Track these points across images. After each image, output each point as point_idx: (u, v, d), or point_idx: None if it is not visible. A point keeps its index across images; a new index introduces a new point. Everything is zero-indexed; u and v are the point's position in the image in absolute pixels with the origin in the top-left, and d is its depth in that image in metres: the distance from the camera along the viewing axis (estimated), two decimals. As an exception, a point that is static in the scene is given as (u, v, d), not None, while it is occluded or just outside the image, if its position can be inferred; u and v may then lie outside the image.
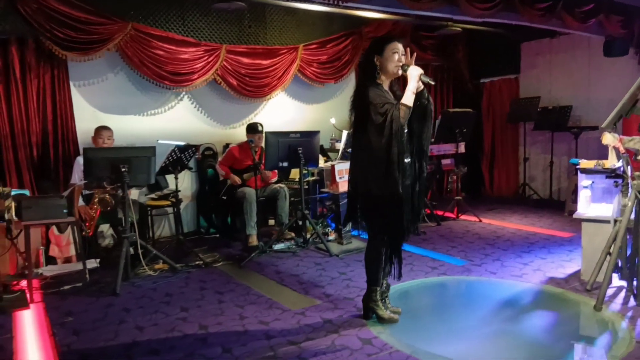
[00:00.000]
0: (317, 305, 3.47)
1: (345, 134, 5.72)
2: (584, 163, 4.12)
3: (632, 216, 3.28)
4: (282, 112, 6.48)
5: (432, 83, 2.85)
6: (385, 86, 2.96)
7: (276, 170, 5.37)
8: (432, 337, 2.93)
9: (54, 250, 4.58)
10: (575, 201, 5.11)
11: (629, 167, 3.43)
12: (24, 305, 3.57)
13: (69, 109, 5.02)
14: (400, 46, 2.91)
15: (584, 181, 4.11)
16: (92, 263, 4.37)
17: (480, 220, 6.04)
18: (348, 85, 7.07)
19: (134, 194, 4.96)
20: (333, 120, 6.10)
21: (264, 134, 4.98)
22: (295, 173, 5.70)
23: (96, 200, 4.24)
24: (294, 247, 5.00)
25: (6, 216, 3.70)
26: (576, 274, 3.95)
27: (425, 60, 7.28)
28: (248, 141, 5.07)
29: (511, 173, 7.91)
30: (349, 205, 3.14)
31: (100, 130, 4.65)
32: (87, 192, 4.53)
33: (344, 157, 5.63)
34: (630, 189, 3.31)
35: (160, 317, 3.36)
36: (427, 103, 2.92)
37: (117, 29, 4.98)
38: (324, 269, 4.31)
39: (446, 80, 7.96)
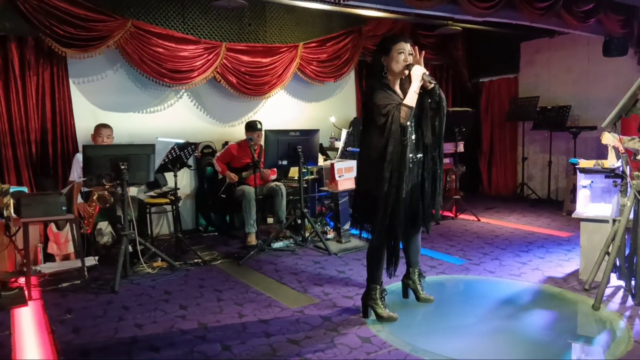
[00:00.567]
0: (316, 304, 3.48)
1: (344, 132, 5.72)
2: (583, 163, 4.13)
3: (631, 216, 3.29)
4: (281, 111, 6.48)
5: (433, 83, 2.88)
6: (394, 86, 2.99)
7: (275, 169, 5.37)
8: (431, 335, 2.94)
9: (52, 248, 4.58)
10: (573, 201, 5.13)
11: (628, 166, 3.43)
12: (23, 302, 3.56)
13: (68, 107, 5.02)
14: (406, 46, 2.94)
15: (583, 181, 4.12)
16: (91, 260, 4.36)
17: (479, 220, 6.05)
18: (348, 84, 7.08)
19: (132, 191, 4.95)
20: (333, 119, 6.11)
21: (263, 132, 4.98)
22: (294, 171, 5.71)
23: (95, 197, 4.24)
24: (292, 245, 5.00)
25: (5, 213, 3.70)
26: (574, 274, 3.96)
27: (425, 59, 7.19)
28: (247, 139, 5.07)
29: (509, 172, 7.92)
30: (354, 203, 3.20)
31: (100, 128, 4.64)
32: (86, 189, 4.52)
33: (343, 156, 5.63)
34: (629, 189, 3.31)
35: (160, 314, 3.36)
36: (438, 100, 2.95)
37: (117, 26, 4.97)
38: (323, 268, 4.32)
39: (445, 79, 7.97)
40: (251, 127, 5.24)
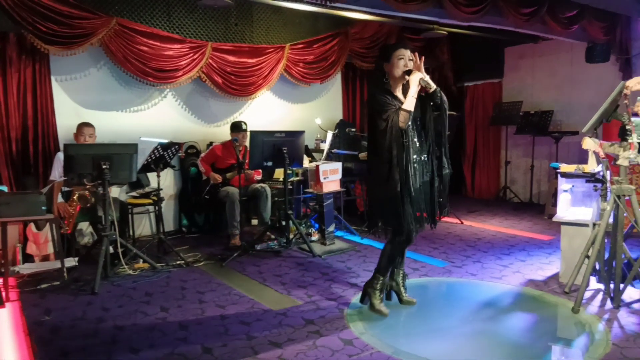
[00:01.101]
0: (299, 306, 3.47)
1: (330, 134, 5.72)
2: (564, 167, 4.18)
3: (611, 220, 3.34)
4: (267, 112, 6.46)
5: (433, 87, 2.99)
6: (395, 91, 3.10)
7: (260, 170, 5.35)
8: (413, 337, 2.95)
9: (31, 248, 4.50)
10: (555, 204, 5.19)
11: (608, 171, 3.49)
12: (0, 304, 3.49)
13: (49, 104, 4.94)
14: (406, 52, 3.06)
15: (564, 185, 4.17)
16: (71, 261, 4.30)
17: (462, 222, 6.09)
18: (334, 86, 7.09)
19: (114, 191, 4.89)
20: (318, 121, 6.10)
21: (248, 133, 4.96)
22: (279, 173, 5.69)
23: (76, 196, 4.17)
24: (276, 247, 4.98)
25: (-18, 212, 3.62)
26: (555, 277, 4.01)
27: (411, 63, 7.30)
28: (232, 140, 5.04)
29: (492, 176, 8.00)
30: (370, 207, 3.41)
31: (82, 126, 4.58)
32: (66, 189, 4.46)
33: (328, 158, 5.63)
34: (609, 194, 3.37)
35: (140, 316, 3.32)
36: (440, 102, 3.04)
37: (101, 23, 4.91)
38: (307, 270, 4.31)
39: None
40: (236, 127, 5.21)
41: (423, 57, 3.04)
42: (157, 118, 5.66)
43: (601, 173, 3.68)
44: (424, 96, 3.06)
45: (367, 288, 3.32)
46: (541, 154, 7.30)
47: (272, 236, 5.19)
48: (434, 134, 3.11)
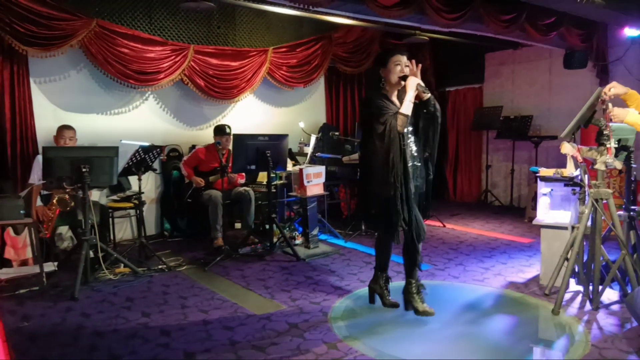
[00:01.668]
0: (283, 310, 3.45)
1: (313, 138, 5.73)
2: (544, 171, 4.25)
3: (589, 223, 3.40)
4: (250, 115, 6.44)
5: (428, 94, 3.07)
6: (392, 96, 3.16)
7: (244, 173, 5.33)
8: (396, 340, 2.96)
9: (9, 253, 4.41)
10: (534, 208, 5.27)
11: (586, 175, 3.56)
12: (-25, 310, 3.41)
13: (28, 107, 4.85)
14: (402, 58, 3.12)
15: (543, 189, 4.24)
16: (50, 266, 4.22)
17: (444, 225, 6.15)
18: (317, 90, 7.11)
19: (94, 195, 4.82)
20: (302, 124, 6.11)
21: (231, 136, 4.93)
22: (263, 176, 5.67)
23: (55, 200, 4.10)
24: (260, 251, 4.96)
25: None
26: (535, 279, 4.07)
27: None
28: (215, 143, 5.01)
29: (474, 180, 8.10)
30: (358, 204, 3.43)
31: (63, 129, 4.52)
32: (45, 192, 4.37)
33: (312, 161, 5.64)
34: (587, 197, 3.43)
35: (121, 322, 3.27)
36: (433, 110, 3.10)
37: (81, 25, 4.84)
38: (291, 273, 4.30)
39: (413, 87, 8.08)
40: (220, 130, 5.18)
41: (420, 65, 3.11)
42: (138, 121, 5.60)
43: (579, 177, 3.75)
44: (417, 103, 3.11)
45: (372, 288, 3.43)
46: (521, 158, 7.42)
47: (256, 240, 5.17)
48: (423, 139, 3.17)
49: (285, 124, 6.55)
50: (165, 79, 5.46)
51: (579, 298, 3.61)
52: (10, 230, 4.35)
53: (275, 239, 5.05)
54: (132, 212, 5.30)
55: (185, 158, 5.32)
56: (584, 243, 3.54)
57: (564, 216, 4.01)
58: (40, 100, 4.97)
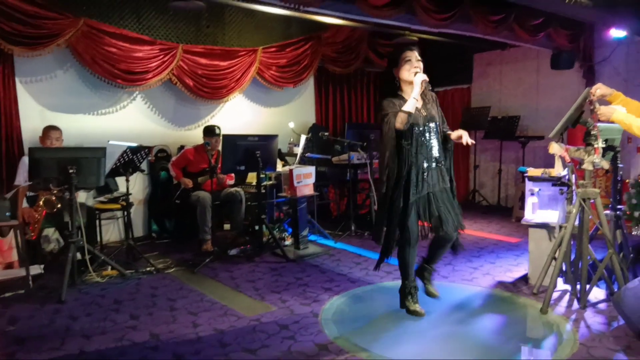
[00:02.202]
0: (273, 312, 3.44)
1: (303, 138, 5.72)
2: (532, 171, 4.29)
3: (577, 222, 3.44)
4: (239, 115, 6.41)
5: (430, 90, 3.04)
6: (408, 95, 3.07)
7: (233, 174, 5.30)
8: (387, 340, 2.96)
9: (-6, 255, 4.33)
10: (522, 207, 5.32)
11: (573, 175, 3.60)
12: (-40, 314, 3.35)
13: (14, 107, 4.78)
14: (412, 54, 3.08)
15: (531, 188, 4.27)
16: (36, 269, 4.16)
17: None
18: (307, 90, 7.10)
19: (81, 196, 4.76)
20: (292, 125, 6.09)
21: (221, 137, 4.91)
22: (252, 177, 5.65)
23: (41, 201, 4.04)
24: (249, 252, 4.94)
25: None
26: (523, 278, 4.09)
27: (382, 68, 7.38)
28: (204, 144, 4.98)
29: (462, 180, 8.14)
30: (378, 209, 3.30)
31: (49, 130, 4.46)
32: (32, 193, 4.31)
33: (302, 162, 5.63)
34: (575, 197, 3.47)
35: (109, 324, 3.24)
36: (449, 146, 3.27)
37: (68, 24, 4.78)
38: (280, 275, 4.28)
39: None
40: (209, 131, 5.14)
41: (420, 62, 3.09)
42: (126, 121, 5.55)
43: (567, 177, 3.79)
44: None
45: (400, 294, 3.34)
46: (508, 158, 7.47)
47: (245, 241, 5.14)
48: (440, 141, 3.18)
49: (274, 124, 6.53)
50: (154, 78, 5.41)
51: (567, 297, 3.65)
52: (-5, 232, 4.28)
53: (264, 240, 5.04)
54: (120, 213, 5.24)
55: (173, 159, 5.28)
56: (572, 242, 3.57)
57: (552, 216, 4.04)
58: (26, 101, 4.90)
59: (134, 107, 5.64)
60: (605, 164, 3.38)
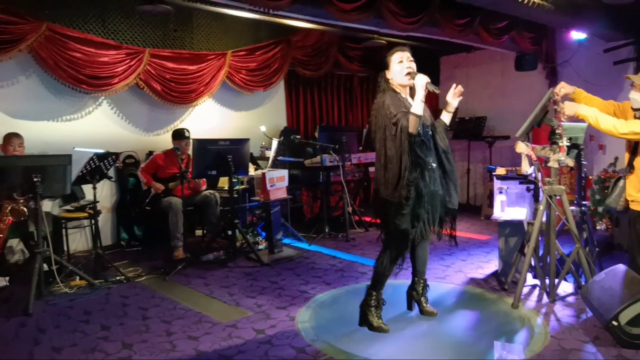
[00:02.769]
0: (249, 317, 3.41)
1: (275, 141, 5.70)
2: (499, 170, 4.39)
3: (544, 219, 3.53)
4: (209, 119, 6.34)
5: (437, 91, 2.91)
6: (404, 94, 3.03)
7: (205, 179, 5.23)
8: (364, 340, 2.97)
9: (-45, 269, 4.15)
10: (491, 206, 5.43)
11: (540, 173, 3.70)
12: None
13: (-28, 114, 4.60)
14: (404, 54, 3.00)
15: (499, 187, 4.37)
16: (1, 281, 4.01)
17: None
18: (278, 93, 7.08)
19: (46, 205, 4.61)
20: (263, 128, 6.06)
21: (191, 140, 4.84)
22: (224, 181, 5.59)
23: (8, 210, 3.89)
24: (223, 257, 4.88)
25: None
26: (494, 274, 4.19)
27: (352, 71, 7.45)
28: (174, 148, 4.90)
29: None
30: (374, 210, 3.16)
31: (11, 137, 4.31)
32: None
33: (274, 165, 5.60)
34: (541, 194, 3.56)
35: (79, 336, 3.15)
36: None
37: (30, 29, 4.63)
38: (255, 279, 4.25)
39: (371, 90, 8.19)
40: (179, 135, 5.06)
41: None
42: (92, 127, 5.41)
43: (533, 175, 3.89)
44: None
45: (362, 308, 3.12)
46: (476, 158, 7.63)
47: (218, 246, 5.08)
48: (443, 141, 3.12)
49: (245, 128, 6.49)
50: (120, 83, 5.30)
51: (537, 291, 3.74)
52: (-45, 244, 4.11)
53: (238, 245, 4.99)
54: (87, 222, 5.10)
55: (142, 165, 5.18)
56: (539, 238, 3.67)
57: (520, 213, 4.14)
58: (-14, 107, 4.73)
59: (100, 113, 5.51)
60: (570, 162, 3.49)
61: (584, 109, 3.12)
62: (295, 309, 3.51)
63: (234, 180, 4.86)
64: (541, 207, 3.49)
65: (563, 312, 3.33)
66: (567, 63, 6.66)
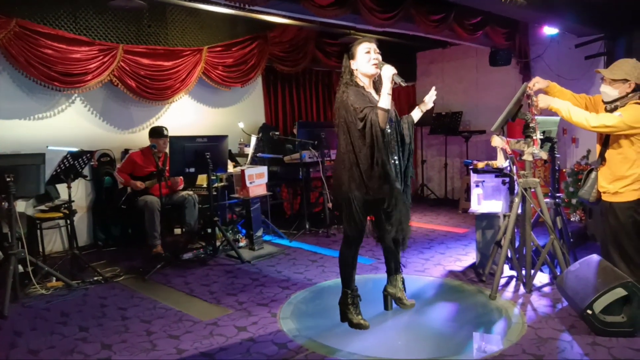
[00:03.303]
0: (230, 314, 3.40)
1: (254, 138, 5.67)
2: (475, 164, 4.46)
3: (519, 211, 3.61)
4: (186, 116, 6.27)
5: (404, 84, 2.84)
6: (368, 88, 2.95)
7: (182, 178, 5.17)
8: (345, 335, 2.99)
9: None
10: (468, 199, 5.51)
11: (515, 166, 3.78)
12: None
13: (-61, 113, 4.45)
14: (372, 45, 2.92)
15: (475, 180, 4.44)
16: (-28, 285, 3.90)
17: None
18: (255, 89, 7.04)
19: (20, 205, 4.51)
20: (241, 125, 6.03)
21: (168, 139, 4.78)
22: (202, 179, 5.54)
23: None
24: (203, 255, 4.85)
25: None
26: (472, 266, 4.26)
27: (330, 67, 7.45)
28: (150, 146, 4.83)
29: (410, 174, 8.34)
30: (333, 206, 3.11)
31: (-20, 136, 4.19)
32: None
33: (253, 162, 5.58)
34: (517, 186, 3.63)
35: (57, 338, 3.09)
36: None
37: (-2, 24, 4.51)
38: (236, 277, 4.23)
39: (349, 86, 8.20)
40: (156, 133, 4.99)
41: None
42: (65, 125, 5.29)
43: (509, 168, 3.97)
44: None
45: (340, 306, 3.14)
46: (453, 152, 7.73)
47: (199, 245, 5.04)
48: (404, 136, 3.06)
49: (223, 125, 6.44)
50: (93, 80, 5.19)
51: (514, 282, 3.82)
52: None
53: (218, 243, 4.96)
54: (62, 222, 5.00)
55: (119, 166, 5.09)
56: (515, 230, 3.74)
57: (496, 205, 4.22)
58: (-47, 106, 4.59)
59: (73, 111, 5.39)
60: (544, 155, 3.57)
61: (557, 102, 3.19)
62: (277, 306, 3.52)
63: (212, 177, 4.82)
64: (517, 200, 3.56)
65: (539, 302, 3.41)
66: (540, 58, 6.80)
